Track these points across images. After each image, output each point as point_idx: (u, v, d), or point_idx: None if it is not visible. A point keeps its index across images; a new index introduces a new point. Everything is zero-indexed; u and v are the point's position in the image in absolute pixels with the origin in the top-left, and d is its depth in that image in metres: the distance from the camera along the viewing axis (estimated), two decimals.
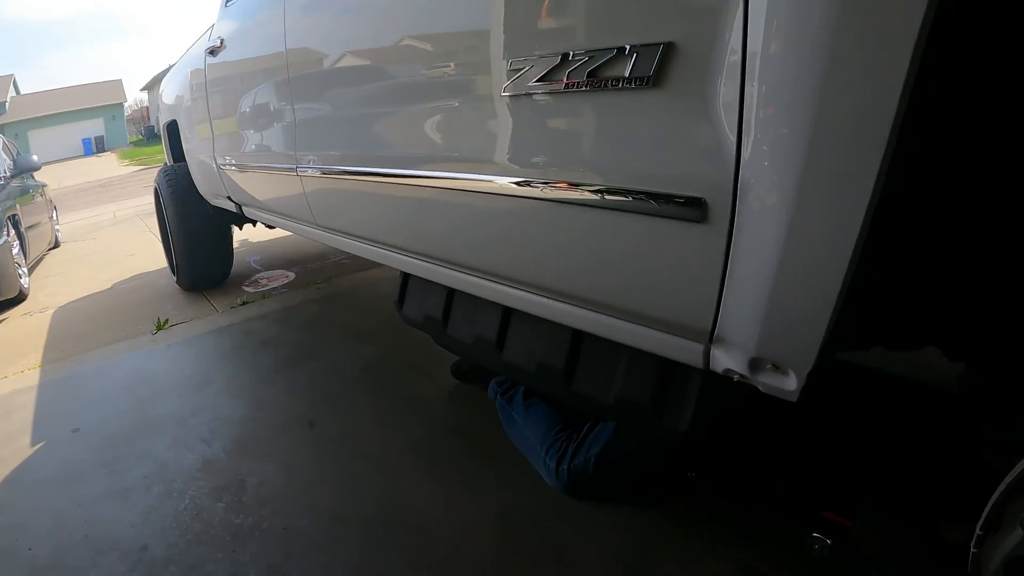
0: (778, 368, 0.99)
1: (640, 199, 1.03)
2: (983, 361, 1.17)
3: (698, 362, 1.12)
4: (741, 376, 1.06)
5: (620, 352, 1.41)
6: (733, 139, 0.88)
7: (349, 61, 1.87)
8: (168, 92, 4.10)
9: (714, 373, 1.10)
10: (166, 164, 4.49)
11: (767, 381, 1.02)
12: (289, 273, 4.69)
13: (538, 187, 1.22)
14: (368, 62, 1.78)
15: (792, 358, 0.96)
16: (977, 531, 0.90)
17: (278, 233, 6.18)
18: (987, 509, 0.88)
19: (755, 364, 1.01)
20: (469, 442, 2.15)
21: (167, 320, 3.81)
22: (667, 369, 1.33)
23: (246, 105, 2.69)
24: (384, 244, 1.98)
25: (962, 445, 1.27)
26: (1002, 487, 0.87)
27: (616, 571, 1.59)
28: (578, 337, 1.50)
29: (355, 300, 3.89)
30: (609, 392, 1.44)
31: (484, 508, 1.83)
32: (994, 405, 1.22)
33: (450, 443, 2.16)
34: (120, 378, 3.06)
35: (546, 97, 1.16)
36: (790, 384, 0.98)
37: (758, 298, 0.94)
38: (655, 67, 0.94)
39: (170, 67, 4.31)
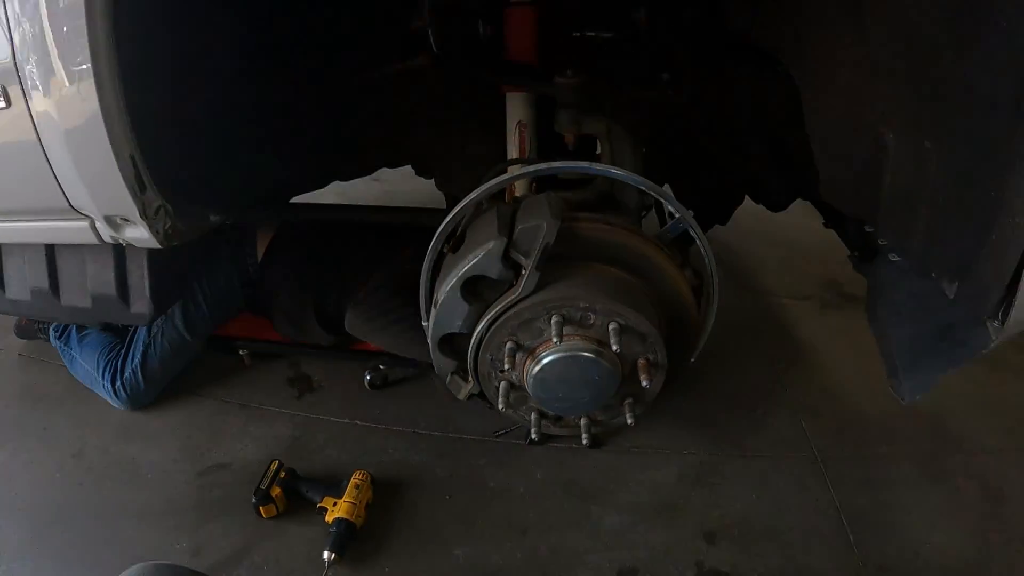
0: (128, 221, 1.21)
1: None
2: None
3: (92, 238, 1.30)
4: (115, 238, 1.26)
5: (83, 254, 1.52)
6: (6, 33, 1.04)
7: None
8: None
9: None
10: None
11: (132, 235, 1.24)
12: None
13: None
14: None
15: (127, 211, 1.18)
16: None
17: None
18: None
19: (113, 224, 1.22)
20: (38, 398, 2.17)
21: None
22: (119, 258, 1.48)
23: None
24: None
25: None
26: None
27: (182, 465, 1.88)
28: (51, 252, 1.57)
29: None
30: (87, 296, 1.56)
31: (59, 454, 1.95)
32: None
33: (23, 405, 2.16)
34: None
35: None
36: (142, 232, 1.21)
37: (69, 165, 1.14)
38: None
39: None
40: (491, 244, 1.20)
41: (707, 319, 1.40)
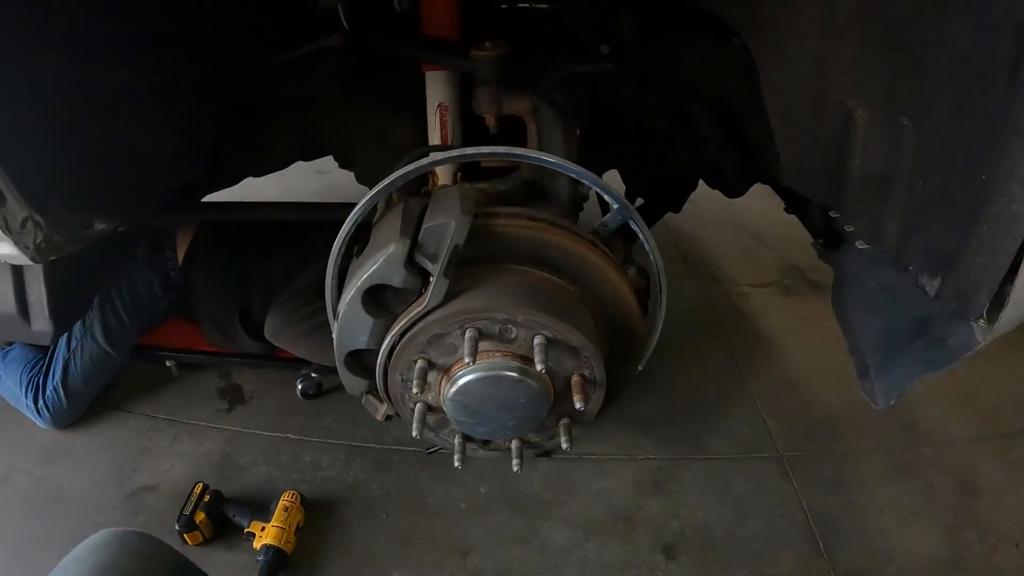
0: None
1: None
2: None
3: None
4: None
5: None
6: None
7: None
8: None
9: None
10: None
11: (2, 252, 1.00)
12: None
13: None
14: None
15: None
16: None
17: None
18: None
19: None
20: None
21: None
22: (17, 274, 1.25)
23: None
24: None
25: None
26: None
27: (108, 489, 1.67)
28: None
29: None
30: None
31: None
32: None
33: None
34: None
35: None
36: (8, 248, 0.97)
37: None
38: None
39: None
40: (391, 248, 0.97)
41: (654, 324, 1.17)
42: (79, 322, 1.78)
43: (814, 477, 1.80)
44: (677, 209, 1.77)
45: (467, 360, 0.95)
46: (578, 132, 1.24)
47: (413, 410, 1.09)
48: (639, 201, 1.73)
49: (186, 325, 1.95)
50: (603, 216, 1.11)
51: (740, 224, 2.83)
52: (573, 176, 1.04)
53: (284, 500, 1.59)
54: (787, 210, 1.75)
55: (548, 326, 0.98)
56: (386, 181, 1.02)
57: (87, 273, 1.69)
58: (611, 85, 1.44)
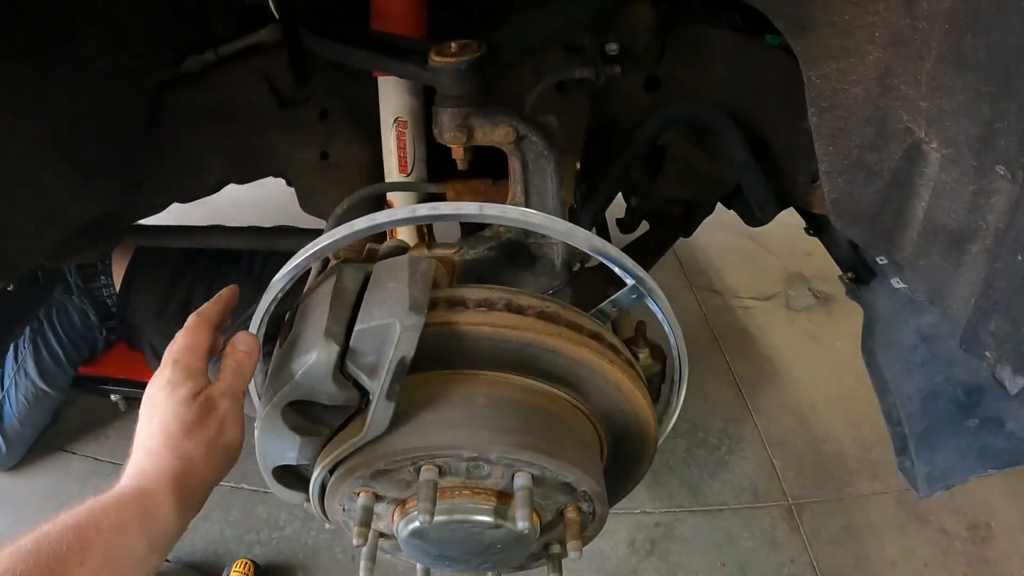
0: None
1: None
2: None
3: None
4: None
5: None
6: None
7: None
8: None
9: None
10: None
11: None
12: None
13: None
14: None
15: None
16: None
17: None
18: None
19: None
20: None
21: None
22: None
23: None
24: None
25: None
26: None
27: None
28: None
29: None
30: None
31: None
32: None
33: None
34: None
35: None
36: None
37: None
38: None
39: None
40: (312, 357, 0.62)
41: (667, 417, 0.85)
42: (11, 359, 1.54)
43: (825, 528, 1.55)
44: (688, 234, 1.43)
45: (422, 518, 0.62)
46: (577, 167, 0.89)
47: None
48: (644, 226, 1.37)
49: (132, 353, 1.63)
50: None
51: (738, 226, 2.48)
52: (569, 243, 0.69)
53: (235, 572, 1.33)
54: (809, 231, 1.41)
55: (535, 463, 0.65)
56: (296, 260, 0.68)
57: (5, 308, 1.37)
58: (617, 92, 1.07)
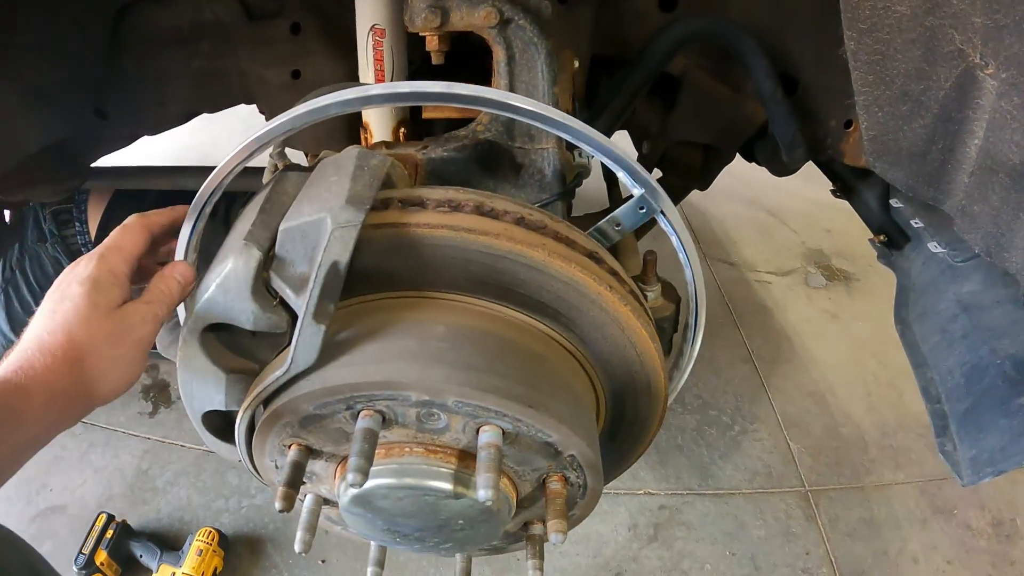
0: None
1: None
2: None
3: None
4: None
5: None
6: None
7: None
8: None
9: None
10: None
11: None
12: None
13: None
14: None
15: None
16: None
17: None
18: None
19: None
20: None
21: None
22: None
23: None
24: None
25: None
26: None
27: (16, 505, 1.33)
28: None
29: None
30: None
31: None
32: None
33: None
34: None
35: None
36: None
37: None
38: None
39: None
40: (228, 265, 0.46)
41: (679, 372, 0.68)
42: None
43: (843, 518, 1.40)
44: (705, 186, 1.24)
45: (351, 477, 0.46)
46: (576, 65, 0.71)
47: (303, 504, 0.60)
48: (656, 173, 1.19)
49: None
50: (610, 198, 0.60)
51: (755, 198, 2.30)
52: (563, 135, 0.52)
53: (199, 541, 1.25)
54: (835, 194, 1.23)
55: (506, 414, 0.49)
56: (238, 148, 0.51)
57: None
58: (630, 10, 0.89)
